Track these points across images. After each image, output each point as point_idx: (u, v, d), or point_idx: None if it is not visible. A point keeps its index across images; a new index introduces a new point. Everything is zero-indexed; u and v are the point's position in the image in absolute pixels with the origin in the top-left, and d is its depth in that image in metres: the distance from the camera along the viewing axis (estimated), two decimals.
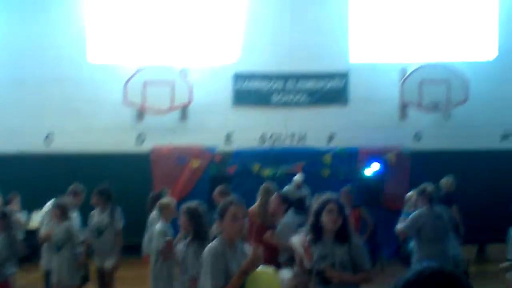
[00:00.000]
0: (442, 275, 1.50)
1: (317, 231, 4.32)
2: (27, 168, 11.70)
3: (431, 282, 1.48)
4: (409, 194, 8.08)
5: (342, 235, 4.27)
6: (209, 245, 3.72)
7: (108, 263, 7.27)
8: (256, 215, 7.05)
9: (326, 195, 4.45)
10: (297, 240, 4.33)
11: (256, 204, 7.15)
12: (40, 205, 8.18)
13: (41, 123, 12.30)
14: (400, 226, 7.16)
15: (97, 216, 7.51)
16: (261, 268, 4.16)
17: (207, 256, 3.63)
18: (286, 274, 5.56)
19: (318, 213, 4.32)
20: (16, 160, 11.91)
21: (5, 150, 11.97)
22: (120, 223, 7.42)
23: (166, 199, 7.08)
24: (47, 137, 12.41)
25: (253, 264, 3.66)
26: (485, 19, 12.97)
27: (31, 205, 10.30)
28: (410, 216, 7.01)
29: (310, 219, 4.41)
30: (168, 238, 6.34)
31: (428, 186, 7.01)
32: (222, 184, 8.78)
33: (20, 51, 12.45)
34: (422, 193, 6.93)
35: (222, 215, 3.74)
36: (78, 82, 12.42)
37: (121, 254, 7.86)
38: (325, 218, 4.26)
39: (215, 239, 3.78)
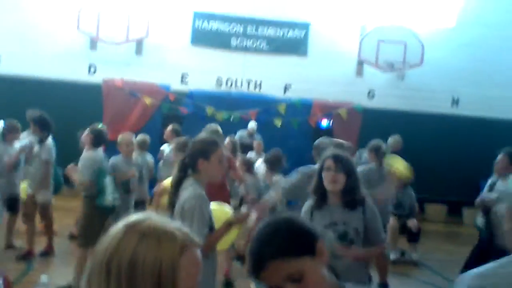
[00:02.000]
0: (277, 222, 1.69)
1: (320, 193, 3.58)
2: None
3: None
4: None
5: (350, 198, 3.52)
6: (191, 190, 3.36)
7: (40, 197, 6.95)
8: None
9: (329, 151, 3.77)
10: None
11: None
12: None
13: None
14: None
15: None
16: (217, 206, 4.18)
17: (194, 204, 3.29)
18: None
19: (319, 173, 3.60)
20: None
21: None
22: (47, 154, 6.91)
23: (125, 135, 6.87)
24: None
25: (241, 220, 3.66)
26: None
27: None
28: (360, 169, 7.20)
29: (313, 180, 3.70)
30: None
31: (381, 144, 7.18)
32: (174, 123, 8.73)
33: None
34: (376, 149, 7.08)
35: (207, 156, 3.41)
36: (30, 5, 11.79)
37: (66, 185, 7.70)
38: (324, 178, 3.53)
39: (190, 181, 3.44)
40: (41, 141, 6.90)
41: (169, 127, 8.39)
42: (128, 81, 11.96)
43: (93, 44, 12.05)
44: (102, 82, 11.89)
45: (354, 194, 3.51)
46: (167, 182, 5.73)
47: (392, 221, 8.07)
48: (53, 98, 10.56)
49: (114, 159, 6.58)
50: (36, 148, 6.94)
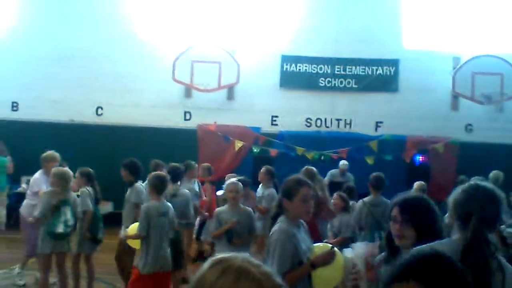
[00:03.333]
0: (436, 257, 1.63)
1: (390, 245, 2.92)
2: (77, 137, 11.94)
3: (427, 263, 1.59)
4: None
5: None
6: (279, 226, 3.56)
7: (122, 233, 6.85)
8: None
9: (399, 196, 2.93)
10: (360, 249, 3.24)
11: None
12: None
13: (92, 96, 12.51)
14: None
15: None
16: (322, 246, 4.04)
17: (278, 238, 3.48)
18: (352, 251, 5.30)
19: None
20: (67, 129, 12.21)
21: (58, 119, 12.29)
22: (136, 197, 6.85)
23: (231, 182, 6.64)
24: (97, 109, 12.68)
25: (325, 262, 3.61)
26: None
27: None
28: None
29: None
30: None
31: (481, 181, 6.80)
32: (268, 165, 8.80)
33: (74, 27, 12.61)
34: None
35: (290, 195, 3.60)
36: (129, 58, 12.58)
37: None
38: (391, 230, 2.88)
39: (281, 218, 3.64)
40: (131, 184, 7.04)
41: (263, 169, 8.47)
42: (221, 125, 12.38)
43: (187, 92, 12.64)
44: (197, 127, 12.40)
45: None
46: (357, 249, 5.33)
47: None
48: (152, 144, 11.10)
49: (220, 209, 6.31)
50: (128, 192, 7.08)
